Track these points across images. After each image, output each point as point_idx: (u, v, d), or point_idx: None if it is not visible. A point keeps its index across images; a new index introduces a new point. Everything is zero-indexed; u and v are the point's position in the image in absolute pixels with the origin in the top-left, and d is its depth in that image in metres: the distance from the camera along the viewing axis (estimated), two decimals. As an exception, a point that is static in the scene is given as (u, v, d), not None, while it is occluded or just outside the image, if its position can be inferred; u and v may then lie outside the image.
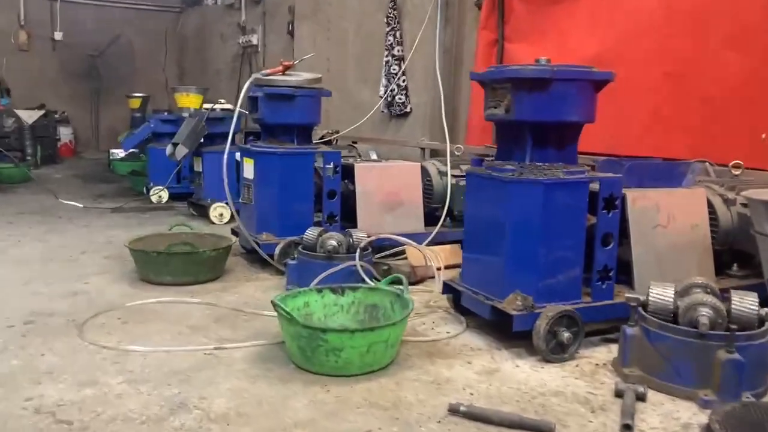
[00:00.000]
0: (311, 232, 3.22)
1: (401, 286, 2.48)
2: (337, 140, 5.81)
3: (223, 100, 5.22)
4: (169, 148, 5.06)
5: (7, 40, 10.23)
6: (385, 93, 6.15)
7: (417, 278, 3.38)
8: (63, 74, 10.78)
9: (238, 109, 3.36)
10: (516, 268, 2.38)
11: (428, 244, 3.71)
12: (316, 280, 2.88)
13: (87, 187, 7.09)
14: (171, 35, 11.45)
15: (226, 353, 2.38)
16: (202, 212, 5.27)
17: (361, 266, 3.04)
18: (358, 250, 3.09)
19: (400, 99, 6.08)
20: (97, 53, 10.72)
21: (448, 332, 2.64)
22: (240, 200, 3.65)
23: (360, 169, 3.79)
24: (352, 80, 6.94)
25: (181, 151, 4.91)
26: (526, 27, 4.85)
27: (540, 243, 2.34)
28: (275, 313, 2.76)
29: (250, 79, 3.47)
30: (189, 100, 7.02)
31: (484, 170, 2.49)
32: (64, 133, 10.14)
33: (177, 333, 2.58)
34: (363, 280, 3.02)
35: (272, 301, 2.22)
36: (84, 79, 10.87)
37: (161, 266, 3.17)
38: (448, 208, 3.96)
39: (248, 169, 3.59)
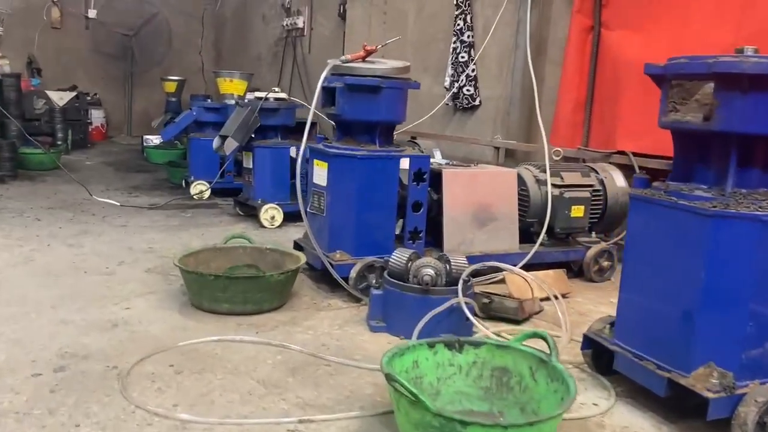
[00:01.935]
0: (400, 256, 2.62)
1: (539, 342, 1.88)
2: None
3: (277, 89, 4.64)
4: (216, 141, 4.49)
5: (39, 17, 9.75)
6: (451, 84, 5.52)
7: (524, 315, 2.77)
8: (96, 54, 10.28)
9: (313, 106, 2.76)
10: (712, 332, 1.76)
11: (522, 268, 3.10)
12: (418, 327, 2.29)
13: (120, 176, 6.58)
14: (209, 16, 10.88)
15: (315, 428, 1.80)
16: (250, 213, 4.71)
17: (466, 304, 2.45)
18: (461, 282, 2.49)
19: (468, 91, 5.44)
20: (132, 33, 10.18)
21: (595, 404, 2.03)
22: (308, 209, 3.07)
23: (448, 175, 3.18)
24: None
25: (231, 145, 4.34)
26: (630, 11, 4.18)
27: (750, 301, 1.72)
28: (365, 365, 2.21)
29: (328, 67, 2.87)
30: (233, 86, 6.49)
31: (662, 195, 1.87)
32: (96, 117, 9.65)
33: (246, 392, 2.01)
34: (467, 322, 2.43)
35: (388, 374, 1.62)
36: (117, 60, 10.35)
37: (218, 292, 2.60)
38: (548, 223, 3.35)
39: (320, 174, 3.00)
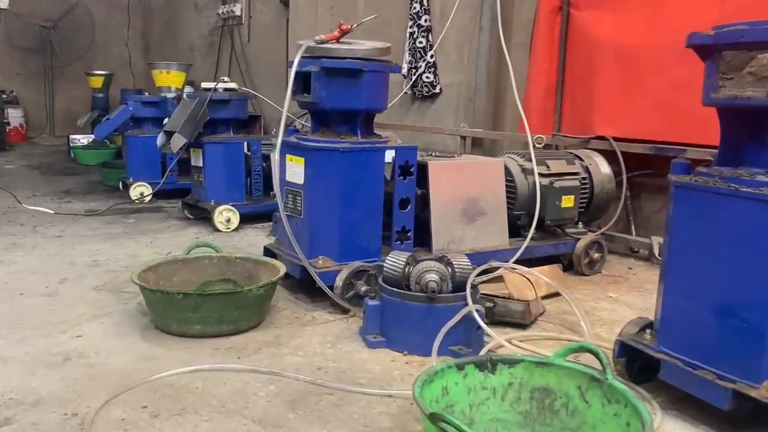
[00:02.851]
0: (396, 260, 2.33)
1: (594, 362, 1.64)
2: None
3: (226, 78, 4.23)
4: (160, 138, 4.06)
5: (-57, 7, 8.86)
6: (408, 71, 5.25)
7: (532, 318, 2.53)
8: (10, 48, 9.46)
9: (287, 101, 2.41)
10: (786, 337, 1.55)
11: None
12: (435, 344, 2.00)
13: (47, 180, 5.99)
14: (135, 5, 10.19)
15: (336, 480, 1.50)
16: (201, 215, 4.31)
17: (477, 311, 2.18)
18: (469, 288, 2.22)
19: (427, 78, 5.18)
20: (51, 24, 9.40)
21: (642, 420, 1.80)
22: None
23: (435, 167, 2.91)
24: (361, 56, 5.98)
25: (178, 141, 3.92)
26: (600, -10, 4.01)
27: (830, 300, 1.52)
28: (374, 390, 1.91)
29: (302, 48, 2.54)
30: (169, 79, 6.02)
31: (718, 182, 1.64)
32: (14, 116, 8.90)
33: (242, 436, 1.67)
34: (478, 331, 2.17)
35: (434, 415, 1.33)
36: (35, 54, 9.55)
37: (189, 312, 2.24)
38: (538, 215, 3.13)
39: (295, 171, 2.66)
